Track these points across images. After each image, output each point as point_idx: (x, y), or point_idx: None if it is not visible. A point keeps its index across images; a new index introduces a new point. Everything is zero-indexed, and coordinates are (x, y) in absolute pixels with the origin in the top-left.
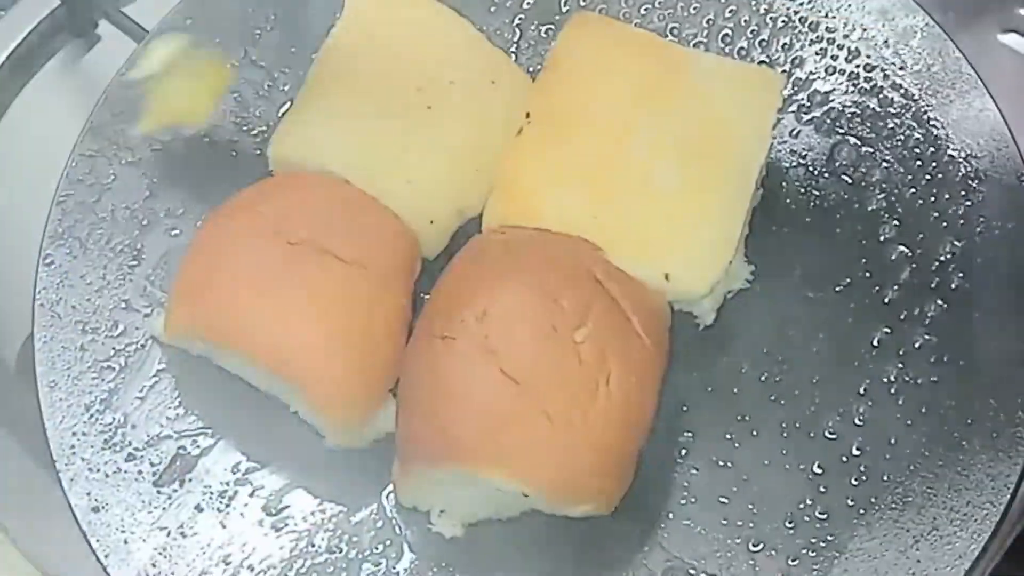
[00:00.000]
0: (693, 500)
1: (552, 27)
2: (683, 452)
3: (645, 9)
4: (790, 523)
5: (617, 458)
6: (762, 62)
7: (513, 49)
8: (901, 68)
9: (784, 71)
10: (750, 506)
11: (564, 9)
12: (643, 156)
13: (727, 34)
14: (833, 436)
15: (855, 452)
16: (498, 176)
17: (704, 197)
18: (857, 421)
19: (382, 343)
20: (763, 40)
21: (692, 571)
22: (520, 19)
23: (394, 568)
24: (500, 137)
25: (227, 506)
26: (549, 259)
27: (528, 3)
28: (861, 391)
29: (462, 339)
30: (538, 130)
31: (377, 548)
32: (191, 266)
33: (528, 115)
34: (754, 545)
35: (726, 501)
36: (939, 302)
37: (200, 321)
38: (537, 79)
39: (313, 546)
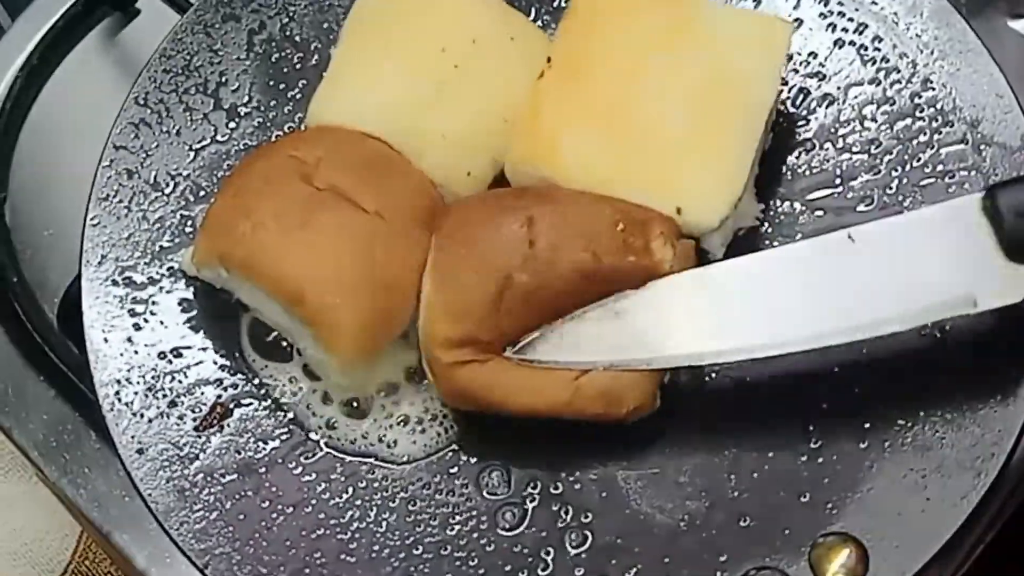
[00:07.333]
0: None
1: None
2: (705, 387)
3: None
4: (805, 462)
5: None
6: None
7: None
8: (910, 39)
9: (795, 46)
10: (769, 451)
11: None
12: (656, 98)
13: None
14: (843, 379)
15: (864, 395)
16: (520, 118)
17: (714, 137)
18: (865, 365)
19: (393, 291)
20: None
21: (708, 507)
22: None
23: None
24: (524, 87)
25: (263, 448)
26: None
27: None
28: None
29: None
30: (557, 74)
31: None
32: (221, 200)
33: (549, 60)
34: (769, 483)
35: (740, 437)
36: None
37: (223, 253)
38: (559, 25)
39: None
